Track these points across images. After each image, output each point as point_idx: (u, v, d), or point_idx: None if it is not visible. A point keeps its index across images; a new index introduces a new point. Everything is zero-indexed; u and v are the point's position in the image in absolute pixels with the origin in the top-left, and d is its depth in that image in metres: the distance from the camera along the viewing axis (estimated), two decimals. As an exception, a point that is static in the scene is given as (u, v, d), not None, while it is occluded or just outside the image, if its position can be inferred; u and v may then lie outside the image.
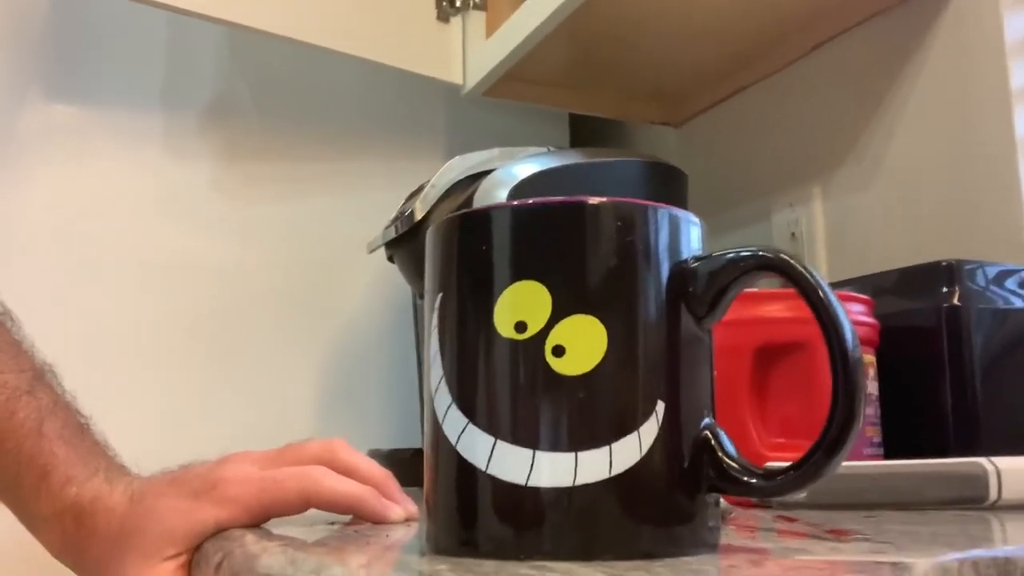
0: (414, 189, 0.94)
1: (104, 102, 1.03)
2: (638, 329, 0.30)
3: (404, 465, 0.58)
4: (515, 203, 0.32)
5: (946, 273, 0.68)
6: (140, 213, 1.03)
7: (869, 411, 0.64)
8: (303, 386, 1.07)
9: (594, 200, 0.31)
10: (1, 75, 0.99)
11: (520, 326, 0.30)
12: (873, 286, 0.71)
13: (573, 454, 0.29)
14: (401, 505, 0.46)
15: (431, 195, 0.88)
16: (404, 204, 0.94)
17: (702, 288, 0.31)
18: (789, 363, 0.60)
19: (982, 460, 0.49)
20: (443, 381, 0.31)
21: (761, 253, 0.31)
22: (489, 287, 0.31)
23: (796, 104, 1.02)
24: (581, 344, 0.30)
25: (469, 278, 0.32)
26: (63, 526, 0.46)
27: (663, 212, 0.32)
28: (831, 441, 0.29)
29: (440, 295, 0.32)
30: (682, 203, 0.89)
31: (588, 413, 0.30)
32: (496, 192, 0.81)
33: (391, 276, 1.00)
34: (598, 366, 0.30)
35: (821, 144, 0.98)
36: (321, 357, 1.09)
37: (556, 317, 0.30)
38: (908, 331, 0.68)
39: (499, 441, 0.30)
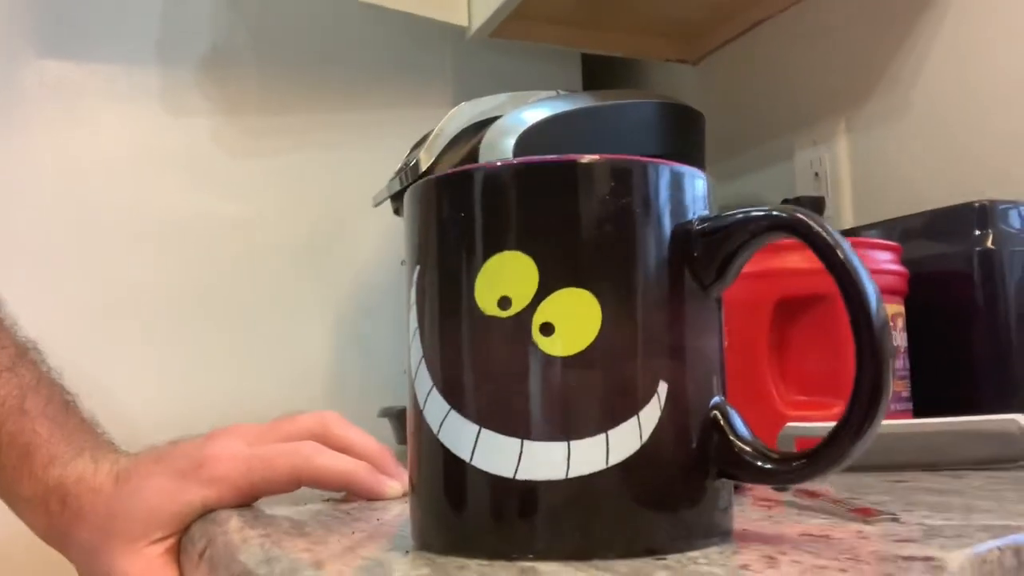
0: (419, 138, 0.90)
1: (98, 58, 1.00)
2: (636, 302, 0.27)
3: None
4: (497, 163, 0.29)
5: (979, 214, 0.64)
6: (139, 171, 1.00)
7: (896, 364, 0.60)
8: (312, 343, 1.05)
9: (585, 158, 0.28)
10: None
11: (504, 302, 0.27)
12: (901, 229, 0.68)
13: (565, 443, 0.26)
14: (398, 479, 0.44)
15: (436, 144, 0.84)
16: (409, 154, 0.91)
17: (708, 253, 0.28)
18: (811, 317, 0.57)
19: (1018, 416, 0.46)
20: (423, 363, 0.29)
21: (775, 213, 0.27)
22: (469, 259, 0.27)
23: (819, 35, 0.97)
24: (572, 321, 0.26)
25: (447, 249, 0.28)
26: (47, 508, 0.45)
27: (663, 168, 0.28)
28: (856, 422, 0.26)
29: (417, 268, 0.29)
30: (699, 145, 0.85)
31: (581, 398, 0.27)
32: (502, 140, 0.77)
33: (400, 229, 0.97)
34: (591, 345, 0.26)
35: (846, 76, 0.93)
36: (330, 314, 1.07)
37: (544, 291, 0.27)
38: (938, 277, 0.65)
39: (483, 430, 0.27)
